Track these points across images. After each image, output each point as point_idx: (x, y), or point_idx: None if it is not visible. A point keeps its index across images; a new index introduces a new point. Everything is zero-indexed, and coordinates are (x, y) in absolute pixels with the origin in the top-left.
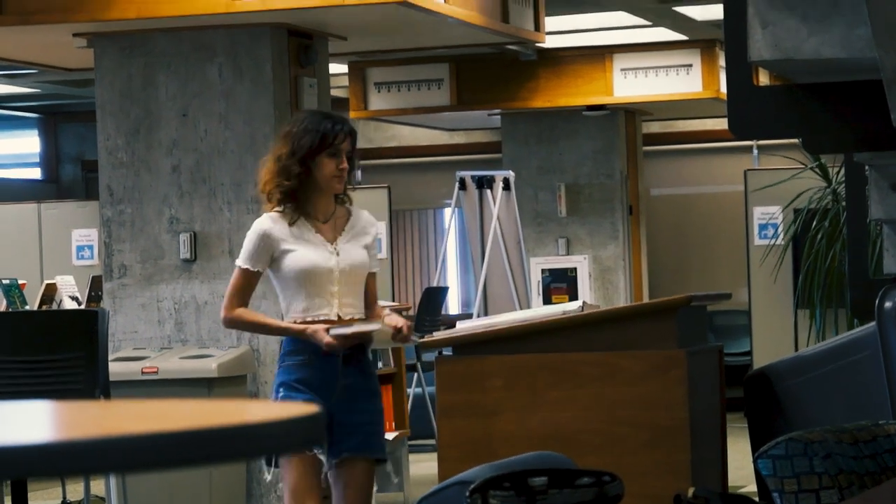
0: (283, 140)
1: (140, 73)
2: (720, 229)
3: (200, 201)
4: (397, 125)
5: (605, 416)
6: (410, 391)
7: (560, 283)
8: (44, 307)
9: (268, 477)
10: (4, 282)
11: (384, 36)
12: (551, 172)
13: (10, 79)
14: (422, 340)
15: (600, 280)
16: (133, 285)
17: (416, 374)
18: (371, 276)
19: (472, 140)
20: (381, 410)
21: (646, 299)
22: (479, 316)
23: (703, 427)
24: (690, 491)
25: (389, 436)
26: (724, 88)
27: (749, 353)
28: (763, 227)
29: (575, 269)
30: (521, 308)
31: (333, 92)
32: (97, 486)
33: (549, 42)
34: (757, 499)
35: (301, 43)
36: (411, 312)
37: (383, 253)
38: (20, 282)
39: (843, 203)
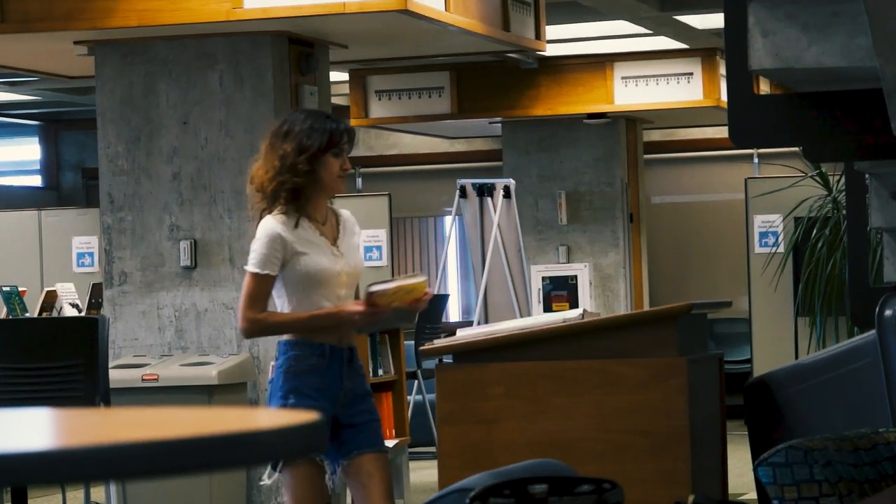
0: (282, 139)
1: (141, 80)
2: (721, 237)
3: (201, 209)
4: (398, 133)
5: (605, 423)
6: (411, 398)
7: (561, 290)
8: (44, 314)
9: (266, 481)
10: (5, 289)
11: (385, 44)
12: (552, 180)
13: (11, 86)
14: (422, 348)
15: (601, 288)
16: (133, 292)
17: (416, 382)
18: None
19: (473, 148)
20: (376, 408)
21: (646, 307)
22: (479, 324)
23: (704, 435)
24: (690, 498)
25: (390, 443)
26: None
27: (749, 361)
28: (763, 235)
29: (575, 276)
30: (521, 316)
31: (334, 100)
32: (97, 493)
33: (550, 50)
34: None
35: (302, 51)
36: None
37: (384, 260)
38: (20, 289)
39: (844, 211)
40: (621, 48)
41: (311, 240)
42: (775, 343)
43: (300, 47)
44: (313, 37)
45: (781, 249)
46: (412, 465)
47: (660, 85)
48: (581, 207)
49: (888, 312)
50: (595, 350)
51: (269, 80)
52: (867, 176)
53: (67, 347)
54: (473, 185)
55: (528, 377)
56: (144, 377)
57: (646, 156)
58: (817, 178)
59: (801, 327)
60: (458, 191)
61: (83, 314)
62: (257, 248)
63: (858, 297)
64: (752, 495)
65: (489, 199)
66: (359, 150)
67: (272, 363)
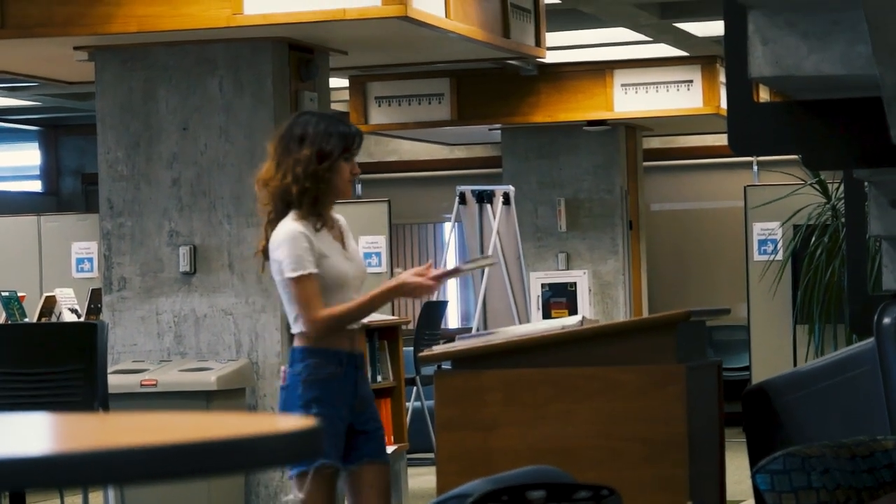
0: (298, 143)
1: (140, 86)
2: (720, 245)
3: (200, 215)
4: (398, 139)
5: (603, 430)
6: (409, 405)
7: (560, 297)
8: (43, 319)
9: (289, 498)
10: (4, 294)
11: (385, 50)
12: (551, 187)
13: (11, 92)
14: (421, 354)
15: (600, 295)
16: (132, 298)
17: (414, 388)
18: None
19: (473, 154)
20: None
21: (645, 314)
22: (478, 330)
23: (702, 441)
24: None
25: (388, 449)
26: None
27: (748, 369)
28: (762, 242)
29: (574, 283)
30: (520, 322)
31: (334, 106)
32: (95, 498)
33: (550, 57)
34: None
35: (302, 57)
36: (411, 326)
37: (383, 267)
38: (20, 294)
39: (843, 219)
40: (621, 55)
41: (328, 244)
42: (774, 350)
43: (300, 53)
44: (313, 43)
45: (780, 257)
46: (410, 471)
47: (659, 92)
48: (580, 214)
49: (887, 320)
50: (594, 357)
51: (269, 86)
52: (866, 184)
53: (66, 353)
54: (473, 191)
55: (527, 384)
56: (143, 383)
57: (645, 163)
58: (816, 186)
59: (800, 335)
60: (457, 197)
61: (82, 319)
62: (287, 252)
63: (857, 304)
64: (750, 502)
65: (488, 205)
66: (358, 157)
67: (283, 368)
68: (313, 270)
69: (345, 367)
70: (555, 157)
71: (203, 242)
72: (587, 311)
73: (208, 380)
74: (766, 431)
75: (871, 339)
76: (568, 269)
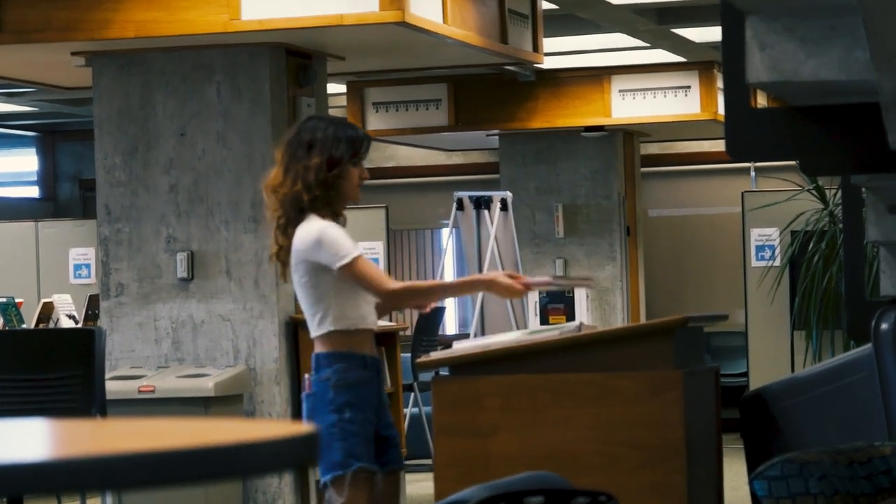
0: (307, 149)
1: (138, 92)
2: (717, 251)
3: (198, 220)
4: (395, 145)
5: (601, 436)
6: (407, 411)
7: (557, 303)
8: (41, 326)
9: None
10: (1, 300)
11: (382, 56)
12: (549, 193)
13: (8, 97)
14: (419, 360)
15: (597, 301)
16: (130, 304)
17: (412, 394)
18: None
19: (470, 160)
20: None
21: (643, 320)
22: (475, 336)
23: (700, 448)
24: None
25: None
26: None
27: (745, 375)
28: (760, 248)
29: (572, 289)
30: (518, 328)
31: (331, 112)
32: None
33: (548, 63)
34: None
35: (299, 63)
36: (408, 332)
37: None
38: (17, 300)
39: (840, 225)
40: (619, 61)
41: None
42: (771, 356)
43: (298, 59)
44: (311, 49)
45: (778, 263)
46: (408, 477)
47: (657, 98)
48: (578, 220)
49: (884, 326)
50: (591, 363)
51: (267, 91)
52: (864, 190)
53: (64, 359)
54: (470, 197)
55: (525, 390)
56: (141, 389)
57: (643, 169)
58: (814, 192)
59: (798, 341)
60: (455, 203)
61: (80, 326)
62: (330, 242)
63: (855, 310)
64: None
65: (486, 211)
66: None
67: (307, 377)
68: (360, 251)
69: (370, 370)
70: (552, 162)
71: (200, 248)
72: (585, 317)
73: (206, 386)
74: (763, 437)
75: (869, 345)
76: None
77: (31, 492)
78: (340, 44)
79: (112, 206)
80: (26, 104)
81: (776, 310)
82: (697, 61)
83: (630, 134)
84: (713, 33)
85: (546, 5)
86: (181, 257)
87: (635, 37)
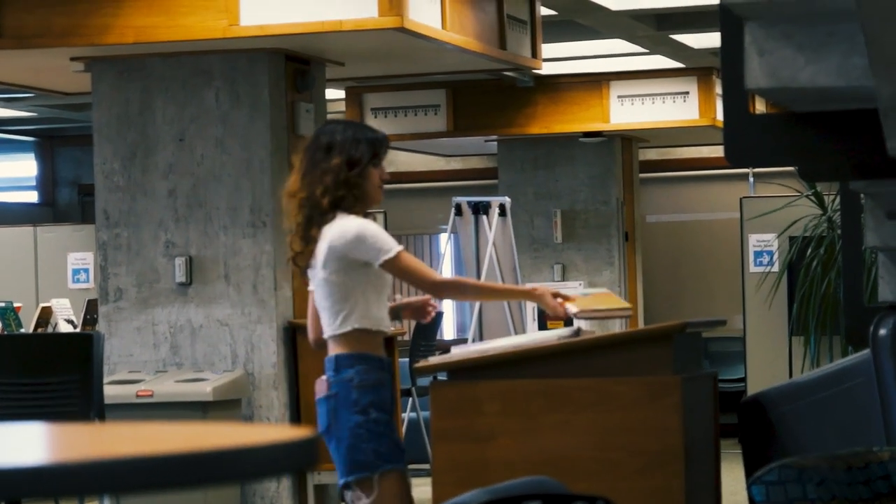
0: (326, 152)
1: (137, 97)
2: (716, 256)
3: (196, 225)
4: (394, 150)
5: (599, 441)
6: (405, 416)
7: None
8: (39, 330)
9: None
10: (0, 304)
11: (381, 62)
12: (547, 198)
13: (8, 102)
14: (417, 365)
15: None
16: (128, 309)
17: (410, 399)
18: None
19: (469, 166)
20: None
21: (641, 326)
22: (474, 341)
23: (698, 453)
24: None
25: None
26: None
27: (744, 380)
28: (758, 254)
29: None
30: (516, 333)
31: (330, 117)
32: None
33: (546, 69)
34: None
35: (298, 68)
36: (406, 337)
37: None
38: (16, 304)
39: (839, 231)
40: (617, 67)
41: None
42: (770, 362)
43: (297, 64)
44: (310, 54)
45: (776, 268)
46: None
47: (656, 104)
48: (576, 226)
49: (882, 332)
50: (589, 368)
51: (266, 97)
52: (862, 195)
53: (62, 363)
54: (469, 202)
55: (523, 395)
56: (139, 393)
57: (641, 174)
58: (812, 198)
59: (796, 346)
60: (453, 208)
61: (78, 330)
62: (376, 237)
63: (853, 316)
64: None
65: (485, 216)
66: None
67: (324, 378)
68: (402, 246)
69: (386, 372)
70: (551, 168)
71: (199, 253)
72: (583, 323)
73: (204, 390)
74: (761, 442)
75: (867, 351)
76: (564, 280)
77: (30, 495)
78: (339, 49)
79: (111, 211)
80: (25, 109)
81: (774, 315)
82: (696, 67)
83: (629, 140)
84: (712, 39)
85: (545, 11)
86: (180, 262)
87: (634, 43)
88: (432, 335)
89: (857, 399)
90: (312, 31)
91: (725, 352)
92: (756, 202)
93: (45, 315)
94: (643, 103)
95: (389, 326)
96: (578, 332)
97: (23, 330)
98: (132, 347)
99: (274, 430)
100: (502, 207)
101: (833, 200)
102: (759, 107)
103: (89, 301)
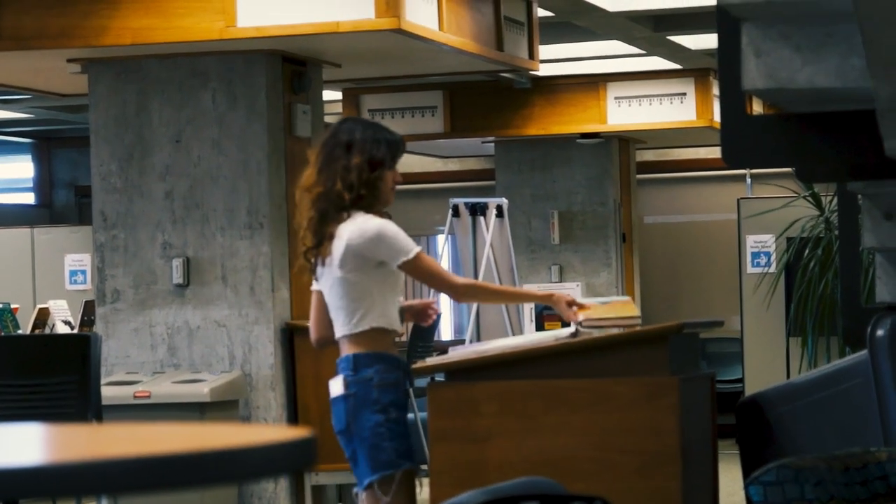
0: (345, 149)
1: (134, 98)
2: (713, 257)
3: (193, 227)
4: None
5: (596, 442)
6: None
7: (553, 310)
8: (37, 331)
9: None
10: None
11: (378, 63)
12: (545, 200)
13: (4, 104)
14: (415, 366)
15: None
16: (126, 310)
17: (408, 400)
18: None
19: (466, 167)
20: None
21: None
22: (471, 342)
23: (695, 453)
24: None
25: None
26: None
27: (741, 381)
28: (756, 255)
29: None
30: (513, 334)
31: (327, 119)
32: None
33: (543, 70)
34: None
35: (295, 70)
36: (403, 338)
37: None
38: (13, 306)
39: (836, 231)
40: (615, 68)
41: None
42: (767, 362)
43: (293, 66)
44: (307, 56)
45: (773, 269)
46: None
47: (653, 105)
48: (574, 227)
49: (880, 332)
50: (587, 369)
51: (263, 98)
52: (860, 196)
53: (60, 364)
54: (466, 204)
55: (520, 395)
56: (136, 394)
57: (638, 176)
58: (810, 199)
59: (793, 347)
60: (450, 210)
61: (76, 331)
62: (394, 237)
63: (850, 316)
64: None
65: (482, 218)
66: None
67: (341, 377)
68: (421, 247)
69: (401, 372)
70: (548, 169)
71: (196, 254)
72: None
73: (201, 391)
74: (759, 443)
75: (865, 352)
76: (561, 281)
77: (27, 496)
78: (336, 51)
79: (108, 213)
80: (22, 111)
81: (772, 316)
82: (693, 68)
83: (626, 141)
84: (709, 40)
85: (542, 12)
86: (177, 263)
87: (631, 44)
88: (430, 336)
89: (855, 400)
90: (309, 32)
91: (723, 352)
92: (753, 203)
93: (43, 316)
94: (640, 104)
95: (401, 326)
96: (576, 333)
97: (20, 331)
98: (129, 348)
99: (271, 431)
100: (499, 209)
101: (830, 201)
102: (757, 108)
103: (86, 302)
